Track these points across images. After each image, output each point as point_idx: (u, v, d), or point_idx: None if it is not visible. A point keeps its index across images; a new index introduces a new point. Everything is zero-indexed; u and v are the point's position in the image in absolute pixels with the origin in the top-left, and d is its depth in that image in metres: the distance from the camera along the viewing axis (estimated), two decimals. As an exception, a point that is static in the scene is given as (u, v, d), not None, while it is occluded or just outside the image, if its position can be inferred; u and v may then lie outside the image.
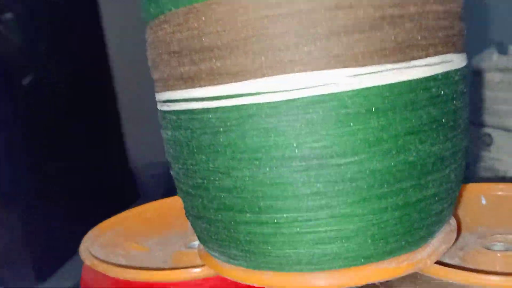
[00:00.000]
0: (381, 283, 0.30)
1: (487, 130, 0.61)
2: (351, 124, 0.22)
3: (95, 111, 0.90)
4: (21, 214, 0.69)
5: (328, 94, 0.22)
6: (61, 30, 0.81)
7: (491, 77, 0.57)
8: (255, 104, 0.22)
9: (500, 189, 0.37)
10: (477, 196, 0.37)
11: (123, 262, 0.34)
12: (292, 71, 0.22)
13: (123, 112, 0.96)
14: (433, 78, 0.23)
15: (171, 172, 0.29)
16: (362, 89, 0.22)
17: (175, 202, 0.41)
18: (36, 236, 0.71)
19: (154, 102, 0.28)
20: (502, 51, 0.57)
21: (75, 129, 0.83)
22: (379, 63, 0.22)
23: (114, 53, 0.92)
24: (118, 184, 0.94)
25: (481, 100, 0.59)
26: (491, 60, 0.57)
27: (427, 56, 0.23)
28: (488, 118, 0.60)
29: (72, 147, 0.82)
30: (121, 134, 0.97)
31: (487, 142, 0.62)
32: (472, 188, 0.38)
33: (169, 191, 0.41)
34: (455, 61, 0.24)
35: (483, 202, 0.37)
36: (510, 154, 0.58)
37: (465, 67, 0.26)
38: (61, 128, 0.79)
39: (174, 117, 0.25)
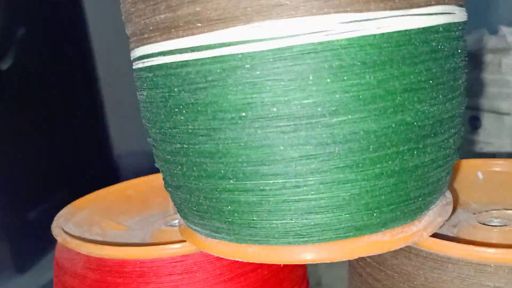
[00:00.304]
0: (373, 258, 0.28)
1: (475, 113, 0.60)
2: (345, 78, 0.20)
3: (77, 98, 0.87)
4: (0, 204, 0.66)
5: (320, 43, 0.19)
6: (41, 14, 0.78)
7: (481, 58, 0.55)
8: (238, 54, 0.20)
9: (497, 165, 0.35)
10: (472, 172, 0.35)
11: (99, 241, 0.32)
12: (280, 17, 0.19)
13: (105, 100, 0.93)
14: (434, 29, 0.21)
15: (148, 139, 0.26)
16: (357, 37, 0.19)
17: (156, 180, 0.39)
18: (15, 227, 0.68)
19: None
20: (492, 31, 0.56)
21: (55, 116, 0.80)
22: (376, 9, 0.19)
23: (97, 38, 0.89)
24: (100, 174, 0.91)
25: (469, 82, 0.57)
26: (481, 40, 0.55)
27: (428, 4, 0.20)
28: (476, 101, 0.58)
29: (53, 135, 0.78)
30: (103, 122, 0.94)
31: (476, 125, 0.60)
32: (467, 164, 0.36)
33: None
34: (457, 14, 0.22)
35: (480, 177, 0.35)
36: (499, 137, 0.56)
37: (465, 23, 0.24)
38: (41, 115, 0.76)
39: (150, 75, 0.23)
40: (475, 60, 0.56)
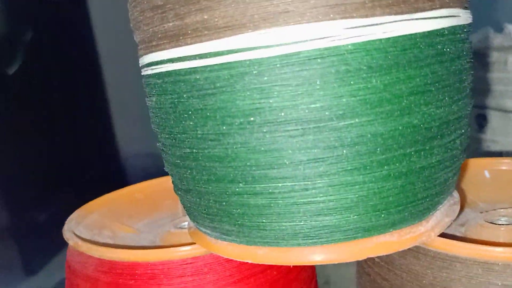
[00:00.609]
0: (381, 258, 0.28)
1: (481, 111, 0.60)
2: (351, 82, 0.20)
3: (83, 100, 0.87)
4: (8, 206, 0.66)
5: (326, 48, 0.19)
6: (46, 16, 0.78)
7: (486, 57, 0.55)
8: (246, 61, 0.20)
9: (504, 164, 0.35)
10: (479, 171, 0.35)
11: (110, 244, 0.32)
12: (287, 23, 0.19)
13: (111, 101, 0.93)
14: (439, 33, 0.21)
15: (158, 144, 0.26)
16: (363, 42, 0.20)
17: (165, 183, 0.39)
18: (24, 229, 0.68)
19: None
20: (498, 29, 0.56)
21: (61, 118, 0.80)
22: (381, 14, 0.20)
23: (103, 40, 0.89)
24: (107, 176, 0.92)
25: (474, 81, 0.57)
26: (486, 39, 0.55)
27: (432, 8, 0.21)
28: (482, 99, 0.58)
29: (59, 137, 0.79)
30: (109, 124, 0.95)
31: (482, 123, 0.60)
32: (474, 163, 0.36)
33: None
34: (462, 17, 0.22)
35: (487, 176, 0.35)
36: (506, 135, 0.56)
37: (470, 25, 0.24)
38: (46, 117, 0.76)
39: (159, 81, 0.23)
40: (480, 59, 0.56)
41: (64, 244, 0.31)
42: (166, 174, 0.27)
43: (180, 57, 0.21)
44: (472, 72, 0.25)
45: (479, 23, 0.58)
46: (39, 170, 0.74)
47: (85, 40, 0.89)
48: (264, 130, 0.21)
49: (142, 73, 0.25)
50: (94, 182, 0.84)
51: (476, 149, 0.61)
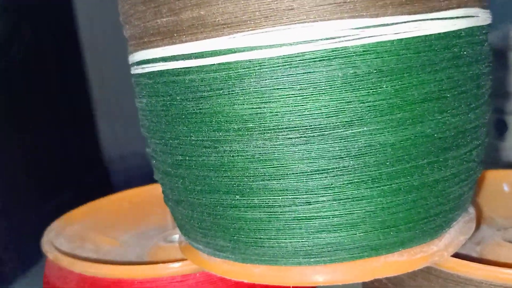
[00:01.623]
0: (389, 279, 0.28)
1: (501, 116, 0.60)
2: (360, 87, 0.20)
3: (67, 102, 0.88)
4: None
5: (333, 50, 0.20)
6: (30, 13, 0.79)
7: (507, 56, 0.56)
8: (246, 61, 0.20)
9: (525, 176, 0.35)
10: (497, 184, 0.35)
11: (92, 258, 0.32)
12: (291, 22, 0.20)
13: (96, 102, 0.95)
14: (456, 34, 0.21)
15: (147, 150, 0.26)
16: (373, 44, 0.20)
17: (153, 191, 0.39)
18: (17, 230, 0.69)
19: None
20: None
21: (46, 120, 0.81)
22: (393, 13, 0.20)
23: (87, 39, 0.91)
24: (91, 179, 0.92)
25: (493, 83, 0.58)
26: (506, 37, 0.55)
27: (449, 7, 0.21)
28: (502, 103, 0.59)
29: (43, 139, 0.79)
30: (94, 125, 0.96)
31: (502, 130, 0.60)
32: (492, 175, 0.36)
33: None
34: (480, 17, 0.23)
35: (506, 189, 0.35)
36: (527, 143, 0.57)
37: (489, 25, 0.24)
38: (31, 120, 0.77)
39: (150, 81, 0.23)
40: (500, 59, 0.56)
41: (41, 256, 0.31)
42: (153, 175, 0.27)
43: (174, 56, 0.22)
44: (491, 77, 0.25)
45: (498, 19, 0.58)
46: (24, 174, 0.74)
47: (69, 39, 0.90)
48: (264, 138, 0.21)
49: (132, 72, 0.25)
50: (74, 184, 0.85)
51: (494, 158, 0.61)
